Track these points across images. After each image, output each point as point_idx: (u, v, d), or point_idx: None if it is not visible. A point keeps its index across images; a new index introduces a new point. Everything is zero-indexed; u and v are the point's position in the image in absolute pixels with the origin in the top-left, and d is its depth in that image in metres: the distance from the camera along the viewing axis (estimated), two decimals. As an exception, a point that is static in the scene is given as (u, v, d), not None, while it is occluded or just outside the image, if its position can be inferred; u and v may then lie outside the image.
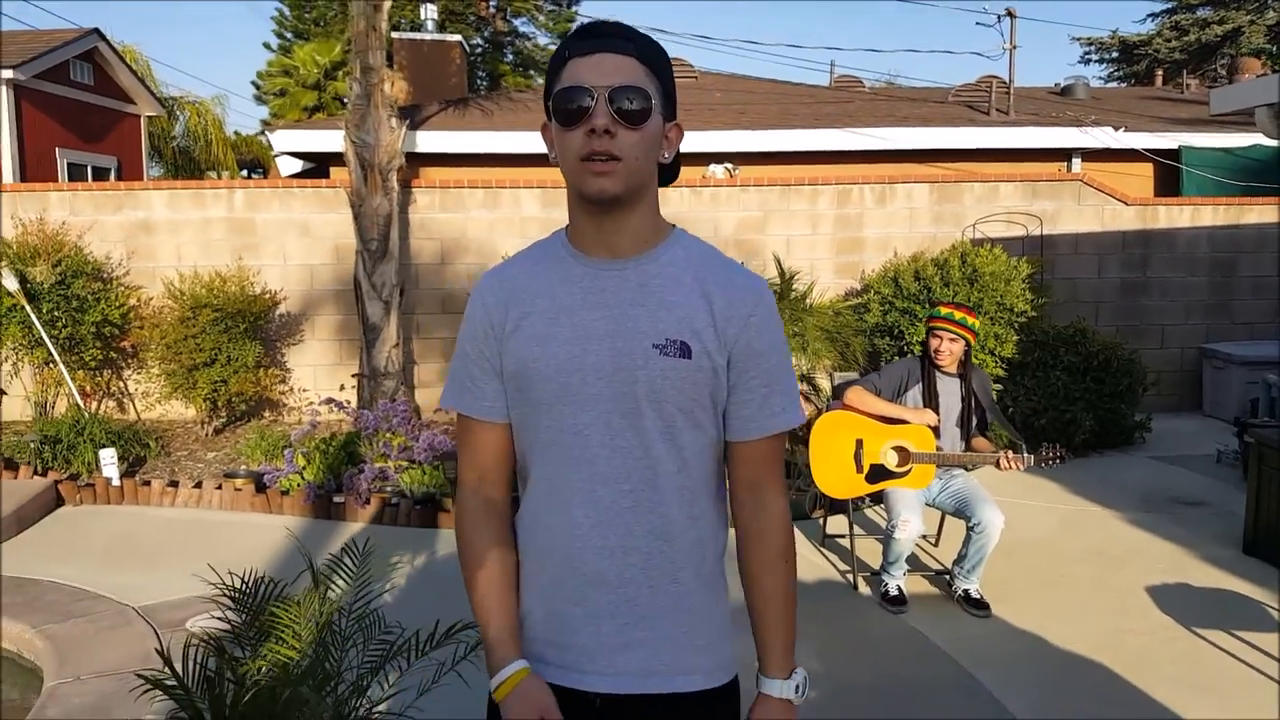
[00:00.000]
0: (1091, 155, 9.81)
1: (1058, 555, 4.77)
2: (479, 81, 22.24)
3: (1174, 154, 9.70)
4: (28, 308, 6.90)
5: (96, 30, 12.31)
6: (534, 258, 1.46)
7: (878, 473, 4.13)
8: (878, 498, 5.67)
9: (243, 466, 6.33)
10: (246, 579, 2.65)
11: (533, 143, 8.92)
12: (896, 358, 6.84)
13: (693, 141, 8.56)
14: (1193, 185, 9.55)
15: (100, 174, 12.60)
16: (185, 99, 17.45)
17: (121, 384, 7.87)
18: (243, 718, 2.30)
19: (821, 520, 5.07)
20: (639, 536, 1.38)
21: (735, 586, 1.49)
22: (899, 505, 4.06)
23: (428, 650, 2.48)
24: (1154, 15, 22.50)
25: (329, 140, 8.61)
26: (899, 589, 4.16)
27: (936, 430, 4.10)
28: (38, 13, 59.89)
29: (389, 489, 5.57)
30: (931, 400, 4.19)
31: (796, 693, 1.44)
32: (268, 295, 7.56)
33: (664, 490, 1.38)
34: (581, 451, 1.38)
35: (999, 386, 6.72)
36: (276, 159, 11.15)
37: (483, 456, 1.47)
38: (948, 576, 4.30)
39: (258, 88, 22.72)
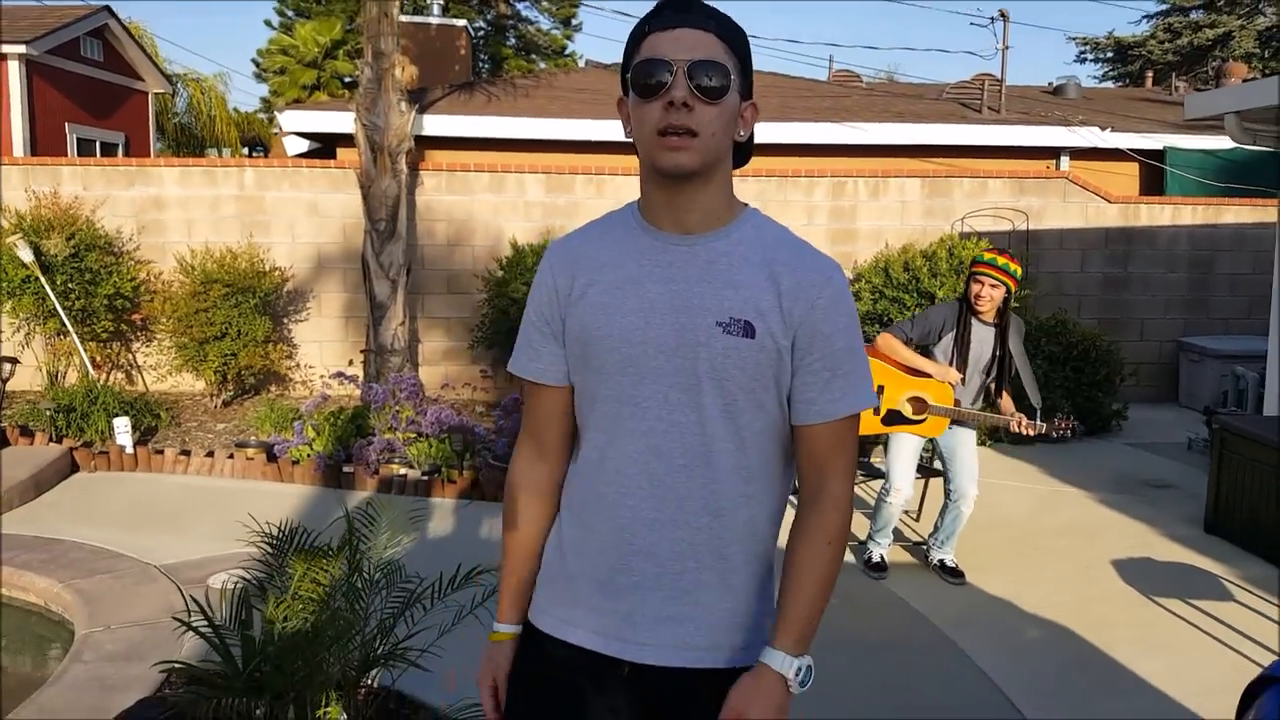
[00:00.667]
0: (1080, 154, 10.03)
1: (1032, 531, 5.05)
2: (481, 65, 22.33)
3: (1160, 154, 9.95)
4: (42, 279, 7.09)
5: (107, 7, 12.45)
6: (603, 227, 1.46)
7: (893, 417, 4.27)
8: (872, 473, 5.93)
9: (253, 437, 6.52)
10: (280, 531, 2.89)
11: (537, 129, 9.12)
12: None
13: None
14: (1176, 185, 9.79)
15: (108, 149, 12.74)
16: (188, 76, 17.54)
17: (130, 356, 8.06)
18: (276, 654, 2.55)
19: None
20: (690, 512, 1.38)
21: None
22: (897, 466, 4.26)
23: (450, 592, 2.73)
24: (1149, 17, 22.71)
25: (338, 121, 8.80)
26: (881, 557, 4.42)
27: (957, 389, 4.22)
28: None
29: (396, 460, 5.80)
30: (964, 347, 4.19)
31: (797, 675, 1.34)
32: (276, 272, 7.75)
33: (718, 468, 1.37)
34: (638, 423, 1.38)
35: None
36: (283, 138, 11.29)
37: (536, 417, 1.50)
38: (925, 547, 4.57)
39: (258, 65, 22.75)
